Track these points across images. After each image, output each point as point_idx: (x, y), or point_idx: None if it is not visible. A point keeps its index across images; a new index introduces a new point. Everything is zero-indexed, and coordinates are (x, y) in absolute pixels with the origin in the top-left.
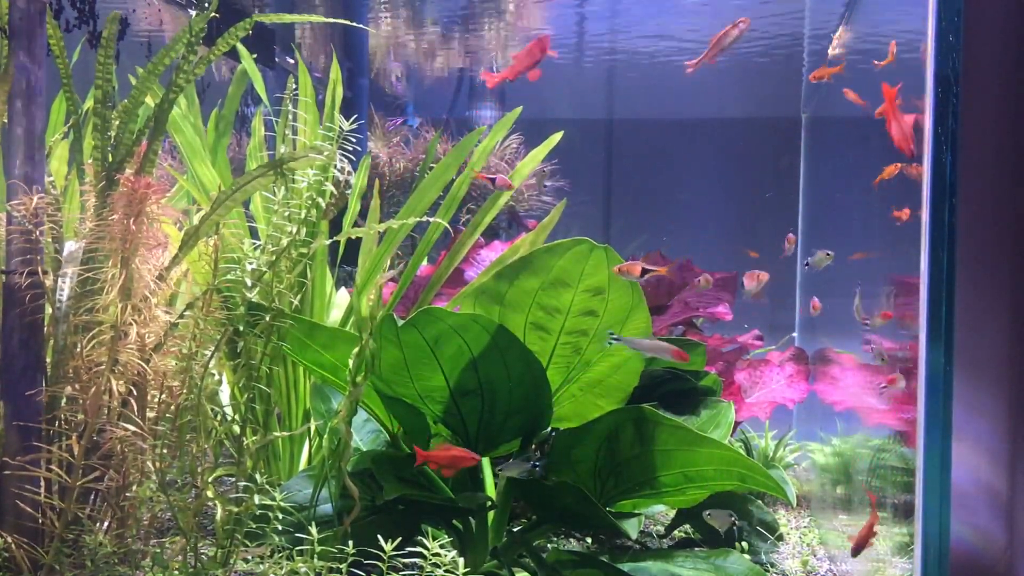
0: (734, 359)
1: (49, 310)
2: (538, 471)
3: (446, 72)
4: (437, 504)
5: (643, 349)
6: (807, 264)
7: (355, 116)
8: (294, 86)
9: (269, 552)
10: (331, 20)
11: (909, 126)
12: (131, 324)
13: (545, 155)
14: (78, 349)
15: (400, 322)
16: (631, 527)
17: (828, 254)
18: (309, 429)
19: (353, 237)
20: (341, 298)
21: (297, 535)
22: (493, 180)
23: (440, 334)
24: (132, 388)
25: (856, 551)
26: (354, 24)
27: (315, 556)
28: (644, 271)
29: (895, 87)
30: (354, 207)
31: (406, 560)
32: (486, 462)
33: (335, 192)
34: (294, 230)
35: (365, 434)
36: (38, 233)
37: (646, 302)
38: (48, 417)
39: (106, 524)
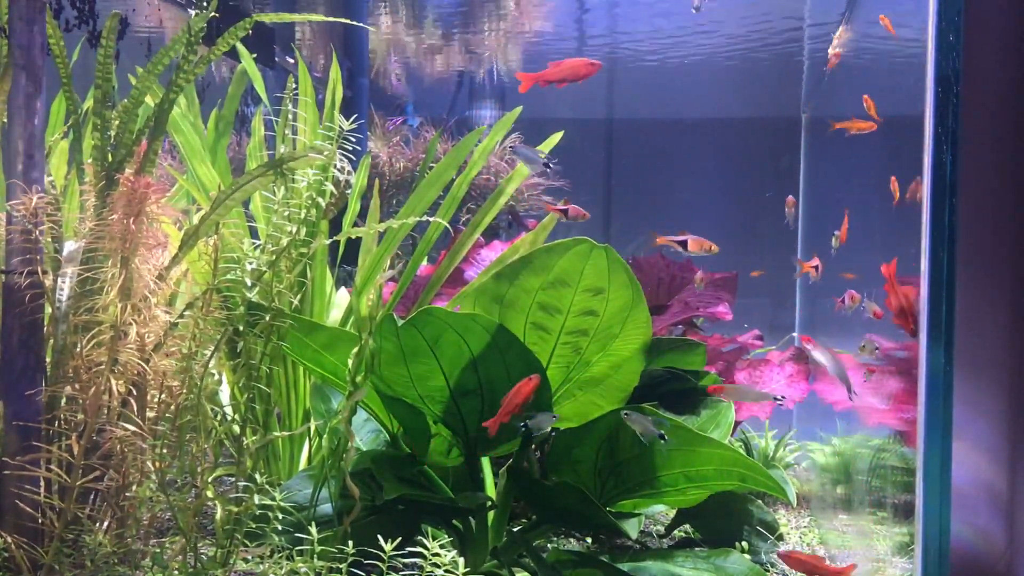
0: (734, 359)
1: (49, 310)
2: (538, 470)
3: (446, 72)
4: (437, 504)
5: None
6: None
7: (355, 116)
8: (294, 86)
9: (269, 552)
10: (331, 20)
11: (910, 302)
12: (131, 324)
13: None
14: (78, 349)
15: (400, 322)
16: (631, 527)
17: (835, 234)
18: (309, 429)
19: (353, 237)
20: (341, 298)
21: (297, 535)
22: (565, 212)
23: (440, 334)
24: (132, 388)
25: None
26: (354, 23)
27: (315, 556)
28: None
29: (892, 264)
30: (354, 207)
31: (406, 560)
32: (486, 462)
33: (335, 192)
34: (294, 230)
35: (365, 434)
36: (38, 233)
37: (646, 302)
38: (48, 417)
39: (106, 524)
